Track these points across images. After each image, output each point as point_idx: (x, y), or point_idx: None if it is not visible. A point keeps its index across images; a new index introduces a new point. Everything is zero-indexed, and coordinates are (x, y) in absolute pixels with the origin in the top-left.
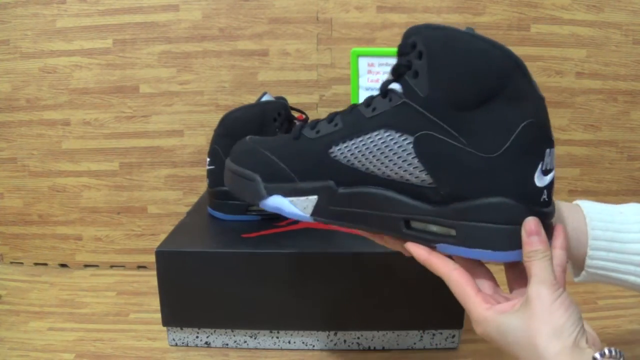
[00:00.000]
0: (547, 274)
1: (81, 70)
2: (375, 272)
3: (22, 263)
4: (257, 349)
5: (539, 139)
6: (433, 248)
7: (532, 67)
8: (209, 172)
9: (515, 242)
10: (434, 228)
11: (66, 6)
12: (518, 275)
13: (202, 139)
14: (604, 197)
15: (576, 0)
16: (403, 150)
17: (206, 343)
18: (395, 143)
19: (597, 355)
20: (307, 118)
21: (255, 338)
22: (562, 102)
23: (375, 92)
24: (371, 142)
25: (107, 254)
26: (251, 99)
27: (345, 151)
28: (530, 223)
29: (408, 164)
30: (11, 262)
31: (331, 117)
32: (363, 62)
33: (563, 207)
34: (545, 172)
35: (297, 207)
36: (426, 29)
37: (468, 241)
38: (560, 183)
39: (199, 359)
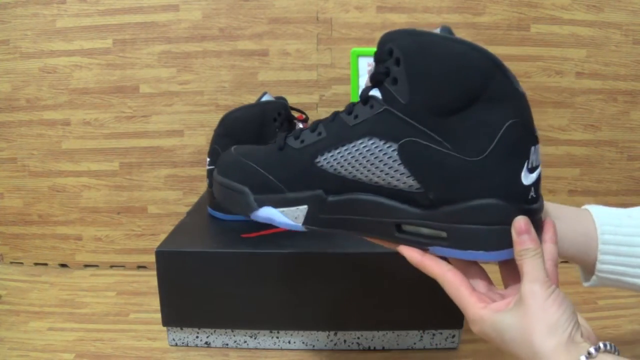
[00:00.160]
0: (539, 272)
1: (81, 70)
2: (375, 272)
3: (22, 263)
4: (257, 349)
5: (524, 138)
6: (426, 250)
7: (532, 67)
8: (209, 172)
9: (506, 241)
10: (425, 231)
11: (66, 6)
12: (512, 271)
13: (202, 139)
14: (604, 197)
15: (576, 0)
16: (388, 158)
17: (206, 343)
18: (380, 150)
19: (592, 349)
20: (307, 118)
21: (255, 338)
22: (562, 102)
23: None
24: (356, 150)
25: (107, 254)
26: (251, 99)
27: (331, 160)
28: (520, 222)
29: (394, 171)
30: (11, 262)
31: (314, 126)
32: (363, 62)
33: (571, 212)
34: (531, 170)
35: (288, 217)
36: (401, 35)
37: (460, 243)
38: (560, 183)
39: (199, 359)
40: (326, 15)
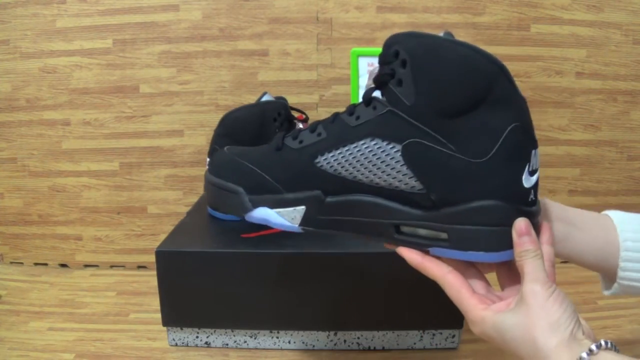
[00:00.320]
0: (540, 272)
1: (81, 70)
2: (375, 272)
3: (22, 263)
4: (257, 349)
5: (525, 141)
6: (426, 252)
7: (532, 67)
8: None
9: (506, 243)
10: (424, 232)
11: (66, 6)
12: (509, 273)
13: (202, 139)
14: (604, 197)
15: (576, 0)
16: (391, 158)
17: (206, 343)
18: (382, 151)
19: (594, 346)
20: (307, 118)
21: (255, 338)
22: (562, 102)
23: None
24: (358, 151)
25: (107, 254)
26: (251, 99)
27: (331, 161)
28: (521, 224)
29: (397, 172)
30: (11, 262)
31: (313, 127)
32: (363, 62)
33: (591, 218)
34: (532, 173)
35: (284, 218)
36: (408, 37)
37: (461, 244)
38: (560, 183)
39: (199, 359)
40: (326, 15)
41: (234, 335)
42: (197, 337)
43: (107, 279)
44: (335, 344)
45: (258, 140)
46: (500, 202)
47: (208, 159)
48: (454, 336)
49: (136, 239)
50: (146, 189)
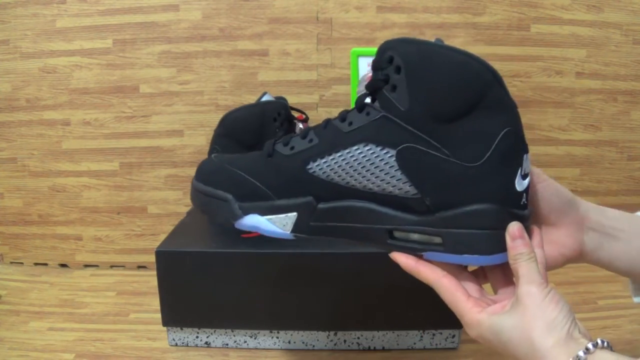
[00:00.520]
0: (535, 274)
1: (81, 70)
2: (375, 272)
3: (22, 263)
4: (257, 349)
5: (517, 146)
6: (419, 257)
7: (532, 67)
8: None
9: (500, 246)
10: (418, 237)
11: (66, 6)
12: (501, 276)
13: (202, 139)
14: (604, 197)
15: (576, 0)
16: (385, 164)
17: (206, 343)
18: (376, 156)
19: (590, 345)
20: (307, 118)
21: (255, 338)
22: (562, 102)
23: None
24: (351, 156)
25: (107, 254)
26: (251, 99)
27: (324, 167)
28: (514, 228)
29: (391, 177)
30: (11, 262)
31: (305, 133)
32: (363, 62)
33: (627, 221)
34: (524, 177)
35: (275, 225)
36: (402, 43)
37: (456, 247)
38: (561, 183)
39: (199, 359)
40: (326, 15)
41: (234, 335)
42: (197, 337)
43: (107, 279)
44: (335, 344)
45: (258, 141)
46: (494, 205)
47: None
48: (454, 336)
49: (136, 239)
50: (146, 189)
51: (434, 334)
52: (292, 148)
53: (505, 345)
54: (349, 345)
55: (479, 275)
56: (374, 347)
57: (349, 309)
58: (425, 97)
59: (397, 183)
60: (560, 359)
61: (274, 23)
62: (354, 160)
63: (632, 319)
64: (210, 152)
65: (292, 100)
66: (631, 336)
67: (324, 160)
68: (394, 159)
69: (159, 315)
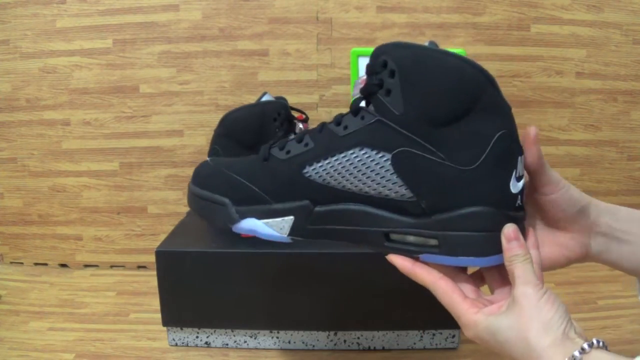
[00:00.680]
0: (530, 275)
1: (81, 70)
2: (375, 272)
3: (22, 263)
4: (257, 349)
5: (512, 148)
6: (416, 259)
7: (532, 67)
8: None
9: (496, 247)
10: (414, 239)
11: (66, 6)
12: (498, 277)
13: (202, 139)
14: (604, 197)
15: (576, 0)
16: (381, 167)
17: (206, 343)
18: (372, 160)
19: (586, 345)
20: (307, 118)
21: (255, 338)
22: (562, 102)
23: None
24: (347, 160)
25: (107, 254)
26: (251, 99)
27: (320, 170)
28: (509, 230)
29: (386, 180)
30: (11, 262)
31: (300, 137)
32: (363, 62)
33: (635, 219)
34: (518, 179)
35: (272, 228)
36: (396, 48)
37: (452, 250)
38: None
39: (199, 359)
40: (326, 15)
41: (234, 335)
42: (197, 337)
43: (107, 279)
44: (335, 344)
45: (258, 141)
46: (489, 208)
47: (208, 159)
48: (454, 336)
49: (136, 239)
50: (146, 189)
51: (434, 334)
52: (288, 152)
53: (501, 345)
54: (349, 345)
55: (477, 278)
56: (374, 347)
57: (349, 309)
58: (420, 101)
59: (393, 186)
60: (556, 359)
61: (274, 23)
62: (350, 164)
63: (632, 319)
64: (210, 152)
65: (292, 100)
66: (631, 336)
67: (319, 164)
68: (389, 162)
69: (159, 315)
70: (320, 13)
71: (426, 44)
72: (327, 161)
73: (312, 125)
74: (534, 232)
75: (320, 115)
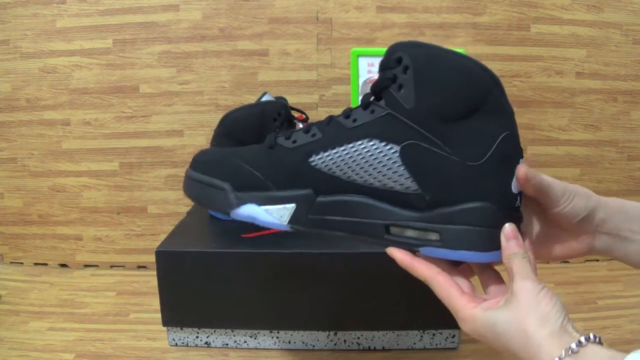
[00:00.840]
0: (529, 271)
1: (81, 70)
2: (375, 272)
3: (22, 263)
4: (257, 349)
5: (514, 150)
6: (415, 252)
7: (532, 67)
8: None
9: (495, 244)
10: (414, 233)
11: (66, 6)
12: (492, 275)
13: (202, 139)
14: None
15: (576, 0)
16: (388, 159)
17: (206, 343)
18: (380, 152)
19: (582, 339)
20: (307, 118)
21: (255, 338)
22: (562, 102)
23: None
24: (354, 150)
25: (107, 254)
26: (251, 99)
27: (326, 160)
28: (508, 229)
29: (393, 172)
30: (11, 262)
31: (307, 128)
32: (363, 62)
33: None
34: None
35: (273, 215)
36: (411, 46)
37: (453, 243)
38: None
39: (199, 359)
40: (326, 15)
41: (234, 335)
42: (197, 337)
43: (107, 279)
44: (335, 344)
45: (258, 141)
46: (491, 204)
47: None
48: (454, 336)
49: (136, 239)
50: (146, 189)
51: (434, 334)
52: (295, 141)
53: (499, 338)
54: (349, 345)
55: (468, 273)
56: (374, 347)
57: (349, 309)
58: (431, 97)
59: (399, 178)
60: (554, 350)
61: (274, 23)
62: (358, 154)
63: (632, 319)
64: None
65: (292, 100)
66: (631, 336)
67: (326, 153)
68: (397, 154)
69: (159, 315)
70: (320, 13)
71: None
72: (334, 151)
73: None
74: (532, 231)
75: (320, 115)
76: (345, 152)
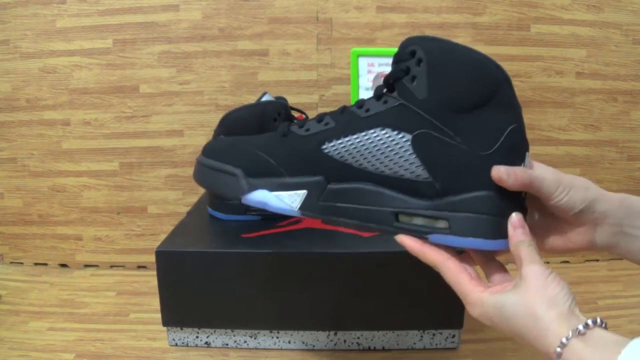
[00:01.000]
0: (537, 256)
1: (81, 70)
2: (375, 272)
3: (22, 263)
4: (257, 349)
5: (522, 143)
6: (424, 239)
7: (532, 67)
8: None
9: (502, 232)
10: (423, 220)
11: (66, 6)
12: (496, 265)
13: (202, 139)
14: None
15: (576, 0)
16: (400, 147)
17: (206, 343)
18: (392, 140)
19: (590, 321)
20: (307, 118)
21: (255, 338)
22: (562, 102)
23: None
24: (367, 139)
25: (107, 254)
26: (251, 99)
27: (339, 147)
28: (515, 218)
29: (404, 160)
30: (11, 262)
31: (320, 117)
32: (363, 62)
33: None
34: None
35: (284, 201)
36: (426, 40)
37: (461, 230)
38: None
39: (199, 359)
40: (326, 15)
41: (234, 335)
42: (197, 337)
43: (107, 279)
44: (335, 344)
45: None
46: (500, 193)
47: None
48: (454, 336)
49: (136, 239)
50: (146, 189)
51: (434, 334)
52: (308, 130)
53: (507, 321)
54: (349, 345)
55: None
56: (374, 347)
57: (349, 309)
58: (443, 89)
59: (410, 167)
60: (562, 330)
61: (274, 23)
62: (370, 142)
63: (632, 319)
64: None
65: (292, 100)
66: (631, 336)
67: (339, 141)
68: (409, 143)
69: (159, 315)
70: (320, 13)
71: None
72: (347, 139)
73: None
74: (532, 222)
75: None
76: (358, 140)
